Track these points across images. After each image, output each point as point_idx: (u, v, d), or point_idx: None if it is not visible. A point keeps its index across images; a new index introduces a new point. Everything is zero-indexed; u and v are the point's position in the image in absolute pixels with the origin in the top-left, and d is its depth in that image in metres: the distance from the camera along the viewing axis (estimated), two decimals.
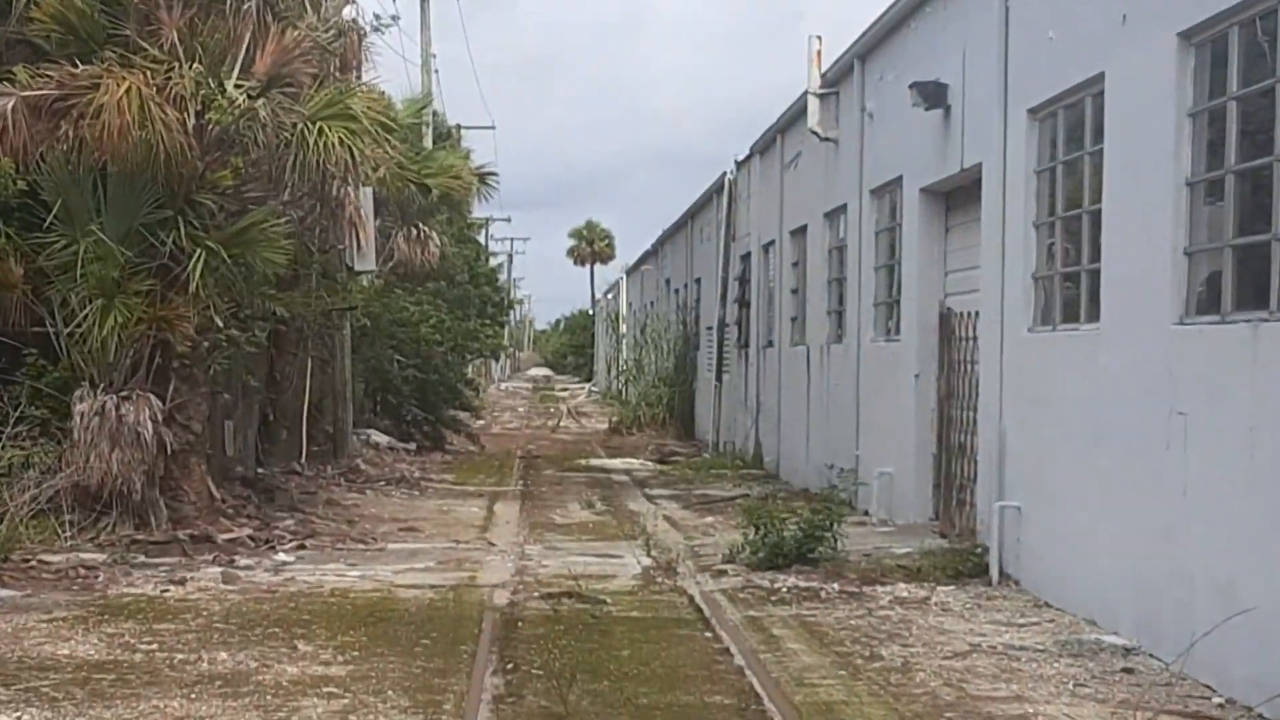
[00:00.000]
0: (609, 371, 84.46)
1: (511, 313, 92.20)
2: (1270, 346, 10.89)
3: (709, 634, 13.93)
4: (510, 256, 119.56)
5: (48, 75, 18.22)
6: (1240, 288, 11.72)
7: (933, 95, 19.47)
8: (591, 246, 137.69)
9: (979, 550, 17.16)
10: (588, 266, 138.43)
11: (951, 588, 16.24)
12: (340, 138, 19.11)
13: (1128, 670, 12.22)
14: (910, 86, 20.02)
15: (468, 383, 47.79)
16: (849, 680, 11.96)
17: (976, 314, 18.55)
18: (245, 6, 19.49)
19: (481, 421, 50.26)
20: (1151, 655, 12.54)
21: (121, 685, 11.30)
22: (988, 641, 13.45)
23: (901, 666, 12.44)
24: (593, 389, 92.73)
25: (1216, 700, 11.07)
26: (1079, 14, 14.89)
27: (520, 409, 69.65)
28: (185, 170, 18.53)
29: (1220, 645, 11.17)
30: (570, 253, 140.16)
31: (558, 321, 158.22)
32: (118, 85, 17.66)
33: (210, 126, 18.50)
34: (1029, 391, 16.42)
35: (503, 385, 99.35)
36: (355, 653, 12.73)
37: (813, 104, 25.99)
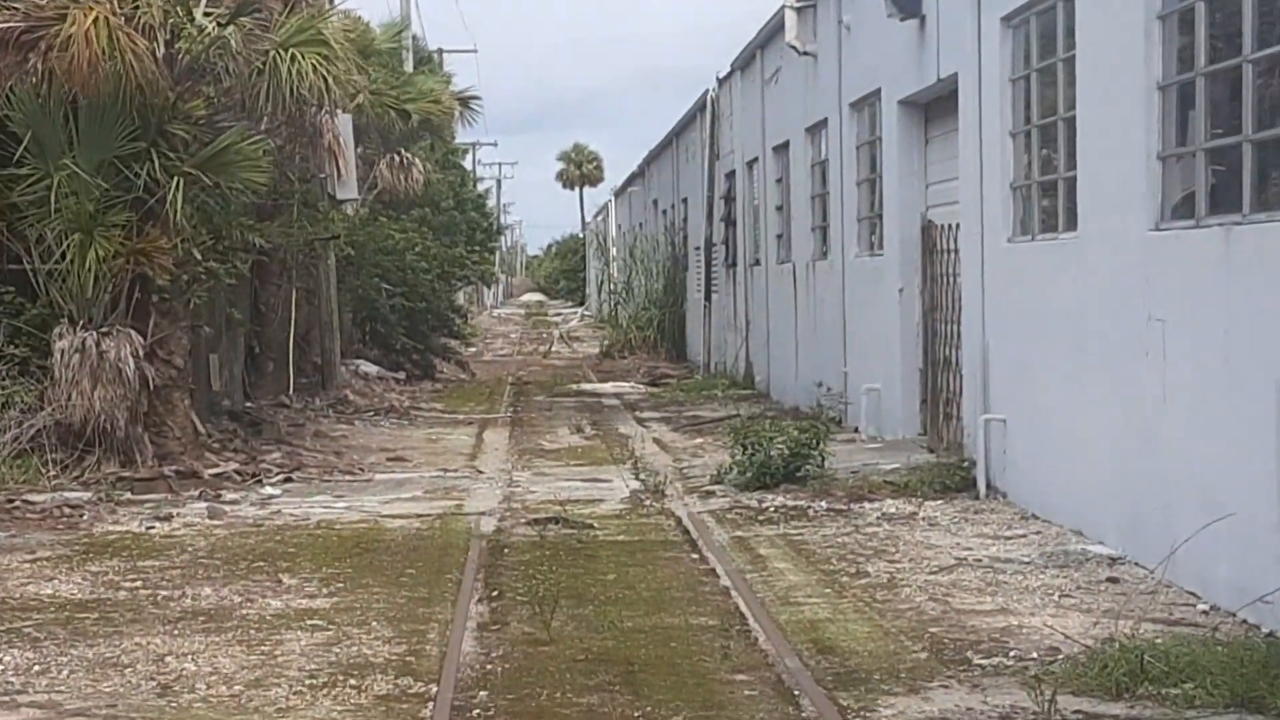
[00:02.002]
0: (600, 295, 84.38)
1: (501, 238, 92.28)
2: (1243, 249, 10.85)
3: (695, 556, 13.99)
4: (498, 182, 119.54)
5: (13, 7, 18.18)
6: (1214, 192, 11.67)
7: (907, 5, 19.39)
8: (580, 169, 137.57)
9: (966, 464, 17.25)
10: (577, 190, 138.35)
11: (939, 502, 16.31)
12: (314, 64, 19.07)
13: (1112, 580, 12.27)
14: None
15: (457, 310, 47.88)
16: (834, 598, 12.01)
17: (957, 226, 18.56)
18: None
19: (473, 349, 50.43)
20: (1136, 564, 12.57)
21: (105, 623, 11.30)
22: (974, 555, 13.52)
23: (887, 582, 12.51)
24: (585, 313, 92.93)
25: (1201, 607, 11.10)
26: None
27: (513, 335, 69.85)
28: (157, 100, 18.51)
29: (1203, 552, 11.21)
30: (559, 176, 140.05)
31: (549, 246, 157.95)
32: (85, 15, 17.58)
33: (180, 56, 18.45)
34: (1010, 303, 16.43)
35: (495, 312, 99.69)
36: (340, 585, 12.77)
37: (790, 18, 25.92)
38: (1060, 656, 9.90)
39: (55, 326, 18.45)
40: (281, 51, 18.93)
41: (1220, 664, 9.14)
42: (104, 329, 18.32)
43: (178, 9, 18.51)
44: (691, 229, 44.07)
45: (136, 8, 18.14)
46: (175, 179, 18.60)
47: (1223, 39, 11.44)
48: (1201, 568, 11.35)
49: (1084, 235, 14.02)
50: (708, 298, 40.30)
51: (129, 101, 18.18)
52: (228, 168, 19.58)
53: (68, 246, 18.41)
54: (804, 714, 8.86)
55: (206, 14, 18.69)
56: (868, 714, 8.78)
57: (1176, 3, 12.16)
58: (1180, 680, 9.06)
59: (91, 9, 17.67)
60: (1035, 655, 10.00)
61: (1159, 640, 9.91)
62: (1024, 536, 14.29)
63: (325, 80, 19.26)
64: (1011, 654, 10.07)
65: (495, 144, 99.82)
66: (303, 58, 18.98)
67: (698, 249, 42.11)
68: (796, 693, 9.23)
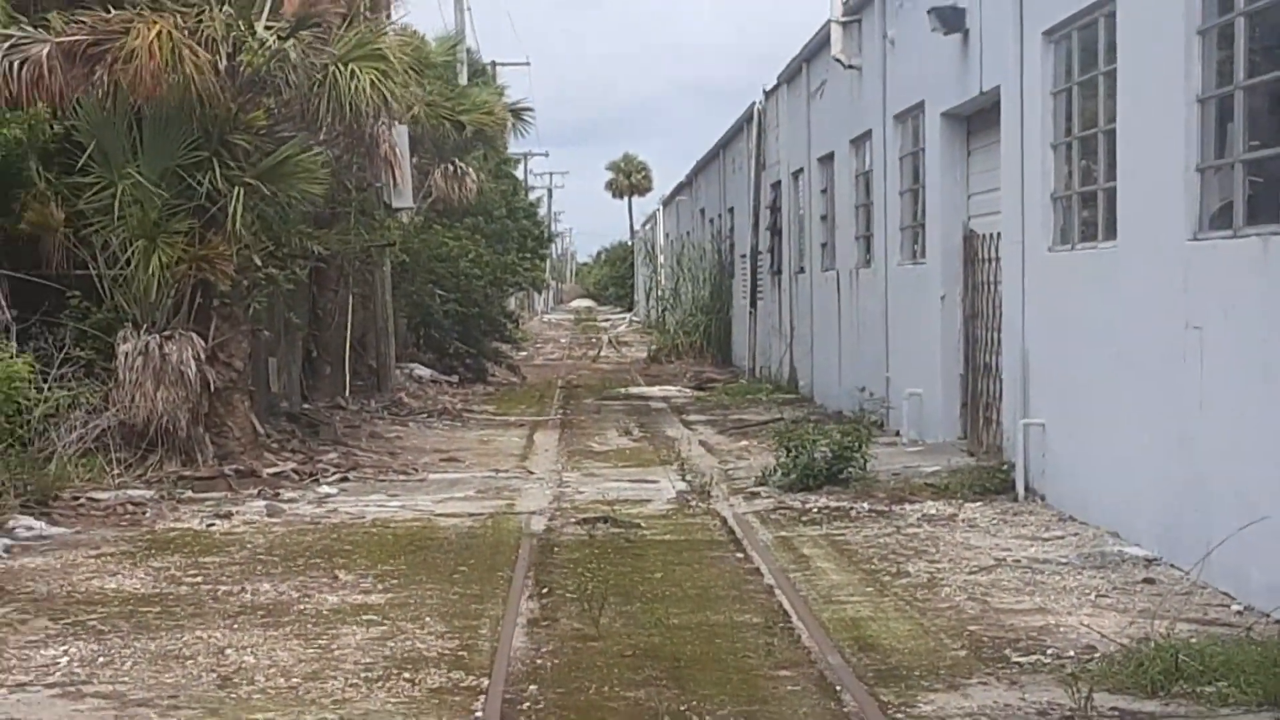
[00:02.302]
0: (648, 301, 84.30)
1: (552, 246, 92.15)
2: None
3: (740, 555, 13.97)
4: (549, 191, 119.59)
5: (81, 20, 18.22)
6: (1251, 202, 11.62)
7: (951, 20, 19.37)
8: (629, 179, 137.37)
9: (1005, 467, 17.16)
10: (626, 199, 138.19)
11: (978, 504, 16.26)
12: (372, 79, 19.14)
13: (1148, 580, 12.22)
14: (929, 12, 19.91)
15: (508, 315, 47.82)
16: (876, 596, 12.01)
17: (999, 235, 18.48)
18: None
19: (523, 353, 50.40)
20: (1172, 565, 12.52)
21: (166, 617, 11.36)
22: (1012, 556, 13.48)
23: (927, 582, 12.49)
24: (633, 319, 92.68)
25: (1235, 608, 11.07)
26: None
27: (562, 340, 69.68)
28: (219, 112, 18.58)
29: (1238, 554, 11.20)
30: (609, 186, 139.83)
31: (599, 254, 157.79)
32: (149, 29, 17.64)
33: (242, 68, 18.51)
34: (1051, 310, 16.36)
35: (546, 317, 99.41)
36: (395, 581, 12.79)
37: (836, 32, 25.86)
38: (1097, 655, 9.89)
39: (119, 330, 18.52)
40: (340, 66, 19.00)
41: (1254, 663, 9.13)
42: (167, 333, 18.41)
43: (239, 23, 18.59)
44: (738, 238, 44.03)
45: (199, 21, 18.23)
46: (236, 188, 18.70)
47: (1261, 53, 11.43)
48: (1236, 569, 11.32)
49: (1123, 245, 13.98)
50: (753, 304, 40.23)
51: (191, 112, 18.29)
52: (287, 178, 19.63)
53: (132, 253, 18.51)
54: (846, 709, 8.87)
55: (267, 27, 18.76)
56: (908, 709, 8.80)
57: (1216, 17, 12.15)
58: (1214, 679, 9.05)
59: (155, 22, 17.75)
60: (1072, 653, 9.99)
61: (1193, 640, 9.90)
62: (1061, 538, 14.24)
63: (383, 94, 19.32)
64: (1049, 652, 10.06)
65: (546, 154, 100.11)
66: (361, 72, 19.05)
67: (744, 257, 42.05)
68: (838, 688, 9.22)
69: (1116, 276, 14.15)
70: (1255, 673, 8.97)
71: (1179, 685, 9.05)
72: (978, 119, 19.98)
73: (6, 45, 17.80)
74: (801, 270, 33.30)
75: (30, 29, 18.19)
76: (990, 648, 10.23)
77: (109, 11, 18.25)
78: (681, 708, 8.91)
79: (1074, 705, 8.77)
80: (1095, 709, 8.71)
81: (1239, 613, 10.92)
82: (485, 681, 9.47)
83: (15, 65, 17.64)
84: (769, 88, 36.32)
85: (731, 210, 45.45)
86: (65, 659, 10.12)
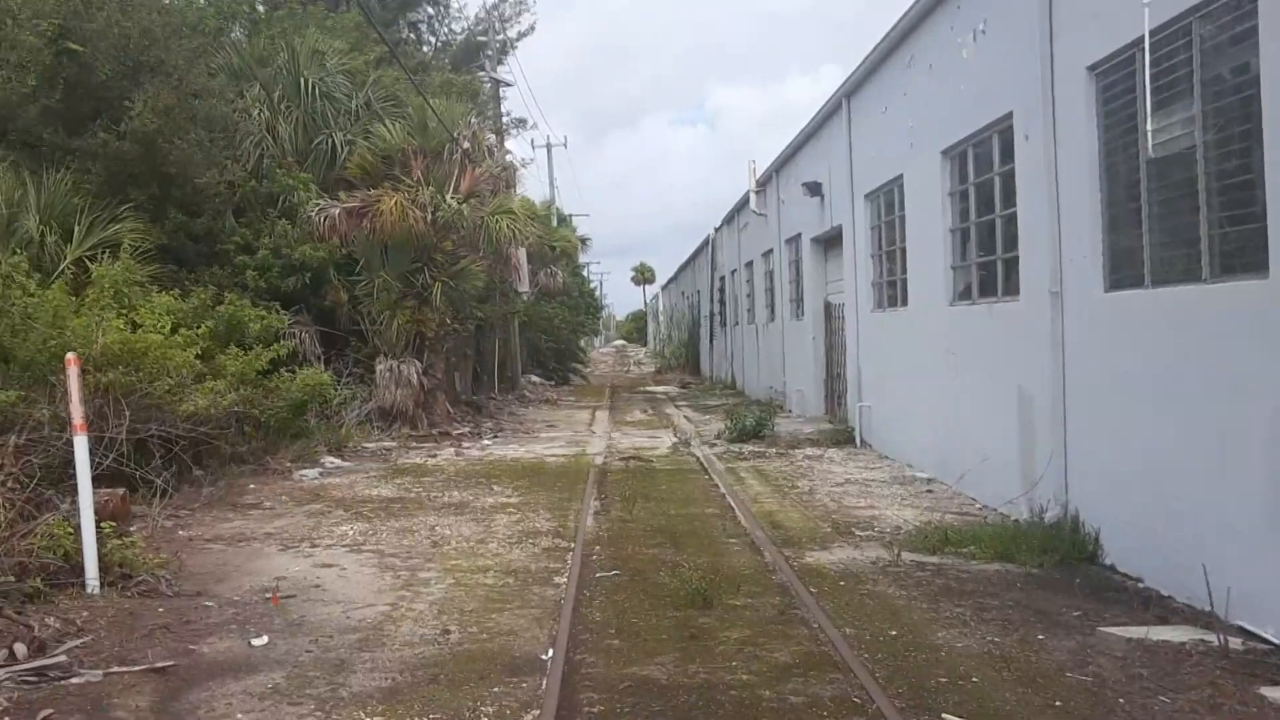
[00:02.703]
0: (654, 341, 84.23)
1: (601, 312, 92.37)
2: (997, 315, 10.72)
3: (707, 476, 13.86)
4: (600, 282, 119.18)
5: (355, 194, 18.27)
6: (979, 284, 11.50)
7: (814, 189, 19.21)
8: (643, 275, 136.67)
9: (849, 429, 16.98)
10: (642, 287, 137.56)
11: (835, 449, 16.08)
12: (507, 224, 19.11)
13: (929, 491, 12.14)
14: (802, 185, 19.77)
15: (580, 349, 47.82)
16: (780, 499, 11.90)
17: (843, 304, 18.30)
18: (454, 156, 19.55)
19: (588, 369, 50.26)
20: (942, 483, 12.39)
21: (404, 509, 11.36)
22: (854, 477, 13.36)
23: (808, 491, 12.37)
24: (646, 351, 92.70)
25: (977, 506, 10.94)
26: (887, 141, 14.56)
27: (609, 362, 69.70)
28: (426, 243, 18.52)
29: (977, 477, 11.15)
30: (632, 279, 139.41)
31: (627, 316, 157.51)
32: (390, 199, 17.73)
33: (439, 220, 18.51)
34: (871, 345, 16.20)
35: (599, 350, 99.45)
36: (523, 490, 12.75)
37: (753, 197, 25.75)
38: (903, 531, 9.83)
39: (377, 358, 18.48)
40: (490, 217, 18.99)
41: (989, 536, 9.07)
42: (401, 359, 18.36)
43: (438, 196, 18.61)
44: (702, 306, 43.90)
45: (416, 195, 18.24)
46: (436, 283, 18.63)
47: (980, 206, 11.32)
48: (977, 484, 11.20)
49: (912, 308, 13.84)
50: (711, 341, 40.07)
51: (412, 243, 18.25)
52: (463, 277, 19.63)
53: (383, 317, 18.51)
54: (765, 559, 8.82)
55: (452, 198, 18.81)
56: (799, 559, 8.73)
57: (958, 186, 12.05)
58: (967, 544, 8.99)
59: (392, 195, 17.82)
60: (889, 530, 9.93)
61: (955, 523, 9.83)
62: (880, 468, 14.14)
63: (513, 232, 19.29)
64: (876, 529, 9.99)
65: (599, 263, 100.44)
66: (501, 220, 19.03)
67: (706, 316, 41.83)
68: (761, 549, 9.18)
69: (909, 326, 14.02)
70: (989, 541, 8.93)
71: (947, 547, 9.00)
72: (830, 242, 19.84)
73: (318, 209, 17.91)
74: (736, 323, 33.13)
75: (329, 200, 18.25)
76: (843, 527, 10.14)
77: (369, 190, 18.28)
78: (677, 557, 8.90)
79: (891, 558, 8.74)
80: (902, 559, 8.67)
81: (980, 509, 10.81)
82: (573, 543, 9.47)
83: (323, 218, 17.78)
84: (717, 226, 36.21)
85: (699, 291, 45.26)
86: (351, 531, 10.17)
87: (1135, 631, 6.56)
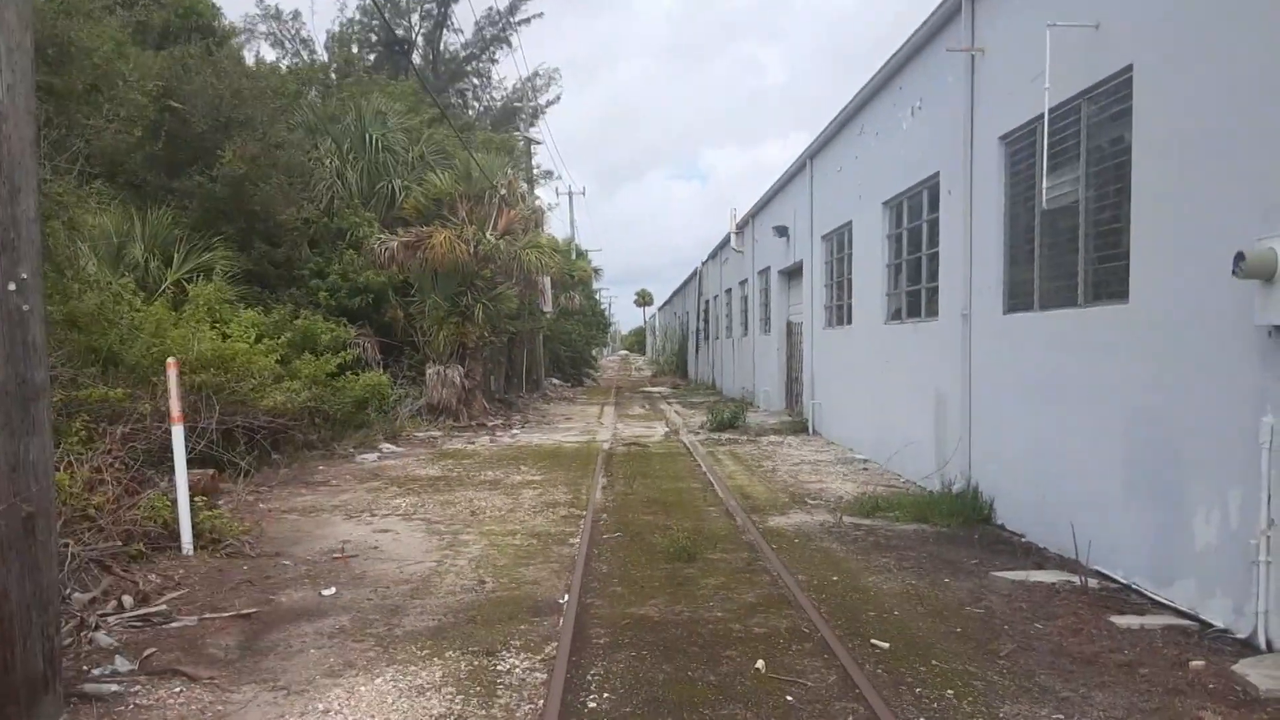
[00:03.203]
0: (652, 351, 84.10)
1: (609, 328, 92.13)
2: (920, 331, 10.89)
3: (691, 458, 13.91)
4: (609, 303, 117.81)
5: (410, 231, 18.36)
6: (907, 308, 11.69)
7: (782, 231, 19.31)
8: (644, 299, 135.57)
9: (805, 421, 17.09)
10: (643, 308, 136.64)
11: (793, 437, 16.20)
12: (535, 256, 19.24)
13: (866, 468, 12.27)
14: (773, 228, 19.91)
15: (592, 357, 47.73)
16: (749, 476, 11.99)
17: (801, 323, 18.43)
18: (493, 200, 19.64)
19: (598, 373, 50.19)
20: (876, 462, 12.55)
21: (447, 486, 11.40)
22: (808, 459, 13.45)
23: (772, 470, 12.47)
24: (645, 360, 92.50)
25: (903, 481, 11.11)
26: (840, 194, 14.73)
27: (614, 368, 69.44)
28: (469, 271, 18.57)
29: (903, 457, 11.31)
30: (635, 301, 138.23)
31: (630, 330, 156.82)
32: (439, 234, 17.85)
33: (480, 252, 18.66)
34: (824, 355, 16.30)
35: (607, 359, 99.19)
36: (545, 470, 12.78)
37: (733, 237, 25.77)
38: (844, 500, 9.96)
39: (427, 364, 18.56)
40: (522, 250, 19.07)
41: (910, 503, 9.26)
42: (447, 365, 18.44)
43: (480, 233, 18.69)
44: (690, 324, 44.01)
45: (461, 231, 18.33)
46: (477, 304, 18.68)
47: (910, 244, 11.61)
48: (903, 463, 11.39)
49: (855, 326, 14.00)
50: (696, 351, 40.03)
51: (458, 271, 18.31)
52: (499, 299, 19.64)
53: (431, 331, 18.57)
54: (737, 522, 8.95)
55: (491, 234, 18.90)
56: (763, 523, 8.86)
57: (894, 230, 12.26)
58: (893, 509, 9.17)
59: (442, 232, 17.93)
60: (834, 499, 10.06)
61: (884, 493, 10.01)
62: (828, 451, 14.22)
63: (541, 263, 19.37)
64: (824, 499, 10.13)
65: (609, 288, 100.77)
66: (530, 253, 19.17)
67: (693, 332, 41.91)
68: (734, 514, 9.32)
69: (852, 340, 14.12)
70: (910, 507, 9.11)
71: (878, 512, 9.17)
72: (793, 273, 19.96)
73: (379, 242, 17.98)
74: (717, 337, 33.11)
75: (389, 235, 18.33)
76: (798, 497, 10.28)
77: (422, 228, 18.40)
78: (668, 522, 8.97)
79: (835, 521, 8.88)
80: (843, 522, 8.81)
81: (904, 482, 10.98)
82: (584, 512, 9.55)
83: (383, 250, 17.85)
84: (704, 260, 36.20)
85: (688, 312, 45.17)
86: (404, 504, 10.20)
87: (1018, 575, 6.78)
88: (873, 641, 5.47)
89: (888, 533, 8.44)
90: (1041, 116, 7.57)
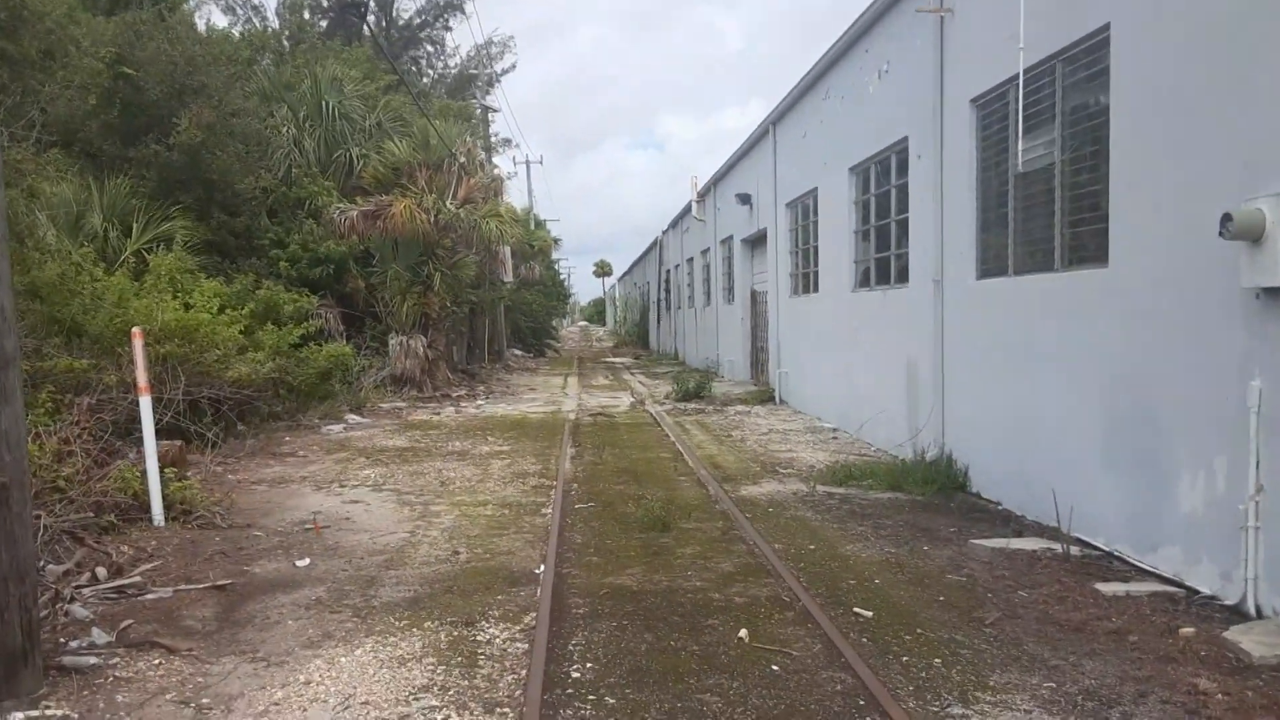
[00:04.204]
0: (613, 322, 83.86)
1: (569, 298, 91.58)
2: (888, 299, 10.80)
3: (659, 428, 13.86)
4: (569, 274, 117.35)
5: (370, 200, 17.88)
6: (876, 274, 11.61)
7: (745, 199, 19.20)
8: (603, 270, 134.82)
9: (771, 390, 17.10)
10: (602, 279, 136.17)
11: (760, 406, 16.18)
12: (495, 225, 18.87)
13: (835, 438, 12.25)
14: (735, 195, 19.77)
15: (552, 327, 47.33)
16: (718, 445, 11.94)
17: (766, 291, 18.39)
18: (452, 168, 19.22)
19: (559, 344, 49.96)
20: (846, 432, 12.54)
21: (414, 456, 11.24)
22: (776, 428, 13.44)
23: (740, 439, 12.43)
24: (605, 330, 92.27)
25: (874, 449, 11.10)
26: (805, 160, 14.59)
27: (575, 339, 69.14)
28: (429, 240, 18.19)
29: (873, 426, 11.28)
30: (594, 271, 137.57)
31: (589, 301, 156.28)
32: (400, 203, 17.36)
33: (440, 221, 18.25)
34: (790, 323, 16.25)
35: (568, 329, 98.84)
36: (512, 440, 12.66)
37: (695, 206, 25.70)
38: (816, 469, 9.92)
39: (390, 334, 18.18)
40: (482, 219, 18.71)
41: (883, 471, 9.20)
42: (409, 335, 18.09)
43: (439, 201, 18.29)
44: (651, 294, 43.90)
45: (421, 200, 17.89)
46: (438, 273, 18.32)
47: (878, 210, 11.47)
48: (872, 432, 11.36)
49: (823, 294, 13.90)
50: (658, 322, 40.02)
51: (418, 240, 17.90)
52: (460, 269, 19.30)
53: (394, 301, 18.16)
54: (709, 491, 8.86)
55: (451, 203, 18.52)
56: (735, 492, 8.78)
57: (861, 197, 12.13)
58: (866, 478, 9.12)
59: (401, 200, 17.47)
60: (806, 468, 10.02)
61: (857, 462, 9.96)
62: (796, 421, 14.24)
63: (500, 232, 19.04)
64: (796, 468, 10.08)
65: (568, 259, 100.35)
66: (490, 222, 18.80)
67: (654, 302, 41.84)
68: (705, 484, 9.21)
69: (819, 308, 14.07)
70: (884, 475, 9.05)
71: (851, 481, 9.12)
72: (757, 242, 19.94)
73: (339, 211, 17.51)
74: (679, 307, 33.12)
75: (348, 204, 17.84)
76: (769, 466, 10.22)
77: (381, 196, 17.93)
78: (640, 492, 8.88)
79: (808, 489, 8.83)
80: (816, 490, 8.76)
81: (875, 451, 10.97)
82: (555, 482, 9.42)
83: (343, 219, 17.37)
84: (665, 229, 36.07)
85: (649, 282, 45.14)
86: (373, 474, 10.04)
87: (997, 543, 6.73)
88: (855, 610, 5.37)
89: (862, 501, 8.37)
90: (1014, 78, 7.40)
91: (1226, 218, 4.88)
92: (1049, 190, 7.23)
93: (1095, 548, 6.46)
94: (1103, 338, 6.43)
